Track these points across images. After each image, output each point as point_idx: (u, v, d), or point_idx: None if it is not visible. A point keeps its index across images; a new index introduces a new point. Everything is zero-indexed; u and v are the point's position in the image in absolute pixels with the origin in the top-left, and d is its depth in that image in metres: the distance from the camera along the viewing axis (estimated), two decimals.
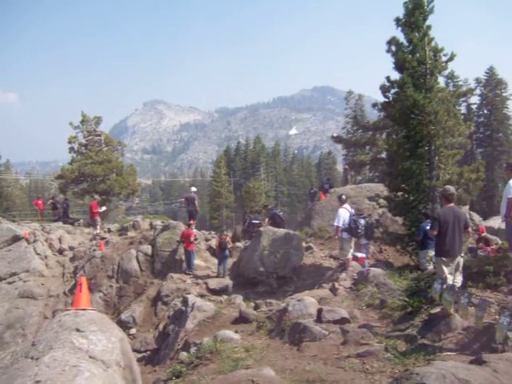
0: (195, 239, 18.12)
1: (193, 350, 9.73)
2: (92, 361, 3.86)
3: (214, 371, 7.65)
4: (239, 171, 76.26)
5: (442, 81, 16.34)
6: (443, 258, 8.05)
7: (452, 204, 8.28)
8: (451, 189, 8.42)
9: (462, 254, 8.33)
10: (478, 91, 47.24)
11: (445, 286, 7.81)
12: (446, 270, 8.00)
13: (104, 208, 26.60)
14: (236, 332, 10.07)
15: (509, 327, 6.73)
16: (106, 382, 3.67)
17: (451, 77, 41.59)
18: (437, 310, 8.43)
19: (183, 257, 18.32)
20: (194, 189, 25.13)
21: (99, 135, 37.46)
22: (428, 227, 10.13)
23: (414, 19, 14.40)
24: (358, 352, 7.31)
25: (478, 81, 47.97)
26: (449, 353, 6.76)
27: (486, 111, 48.39)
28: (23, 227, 22.33)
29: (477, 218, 20.51)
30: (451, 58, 14.80)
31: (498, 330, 6.74)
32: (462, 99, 42.68)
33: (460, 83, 44.43)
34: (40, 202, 33.38)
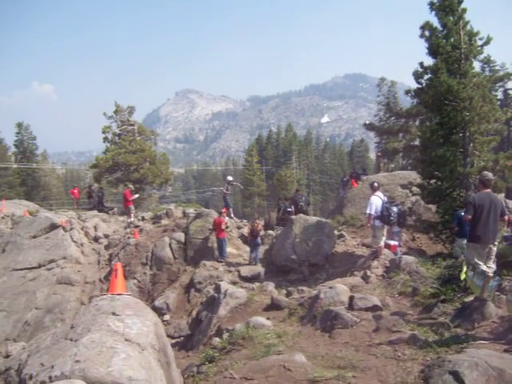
0: (226, 227, 18.23)
1: (225, 335, 9.85)
2: (128, 343, 3.97)
3: (246, 357, 7.74)
4: (271, 159, 76.18)
5: (477, 66, 15.96)
6: (475, 244, 7.92)
7: (489, 190, 8.14)
8: (489, 174, 8.26)
9: (496, 243, 8.17)
10: None
11: (474, 272, 7.76)
12: (476, 256, 7.88)
13: (137, 195, 26.97)
14: (268, 319, 10.15)
15: None
16: (141, 363, 3.78)
17: (487, 61, 40.53)
18: (470, 298, 8.34)
19: (215, 244, 18.48)
20: (229, 178, 25.38)
21: (132, 125, 37.98)
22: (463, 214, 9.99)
23: (449, 2, 14.07)
24: (390, 339, 7.29)
25: None
26: (482, 341, 6.69)
27: None
28: (60, 216, 22.91)
29: None
30: (487, 42, 14.44)
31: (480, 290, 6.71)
32: (499, 84, 41.45)
33: (497, 68, 43.23)
34: (76, 191, 34.10)
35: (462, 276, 8.41)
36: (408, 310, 9.30)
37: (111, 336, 3.97)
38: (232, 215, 23.82)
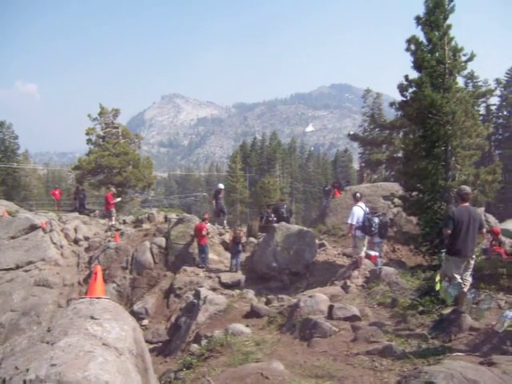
0: (207, 233, 18.18)
1: (204, 342, 9.81)
2: (105, 347, 3.95)
3: (224, 364, 7.72)
4: (255, 167, 76.23)
5: (461, 81, 16.09)
6: (454, 257, 8.01)
7: (467, 204, 8.24)
8: (467, 188, 8.36)
9: (474, 256, 8.27)
10: (497, 92, 46.57)
11: (450, 283, 7.85)
12: (454, 268, 7.96)
13: (119, 199, 26.81)
14: (247, 326, 10.14)
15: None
16: (118, 368, 3.76)
17: (471, 77, 41.05)
18: (448, 310, 8.43)
19: (196, 250, 18.44)
20: (221, 185, 24.62)
21: (117, 127, 37.82)
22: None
23: (435, 18, 14.25)
24: (368, 349, 7.34)
25: (498, 81, 47.28)
26: (459, 353, 6.76)
27: (505, 112, 47.69)
28: (40, 216, 22.61)
29: (493, 220, 20.28)
30: (471, 58, 14.64)
31: (498, 322, 6.78)
32: (482, 100, 42.07)
33: (480, 84, 43.91)
34: (57, 192, 33.76)
35: (437, 287, 8.51)
36: (386, 320, 9.37)
37: (89, 340, 3.94)
38: (225, 222, 23.55)
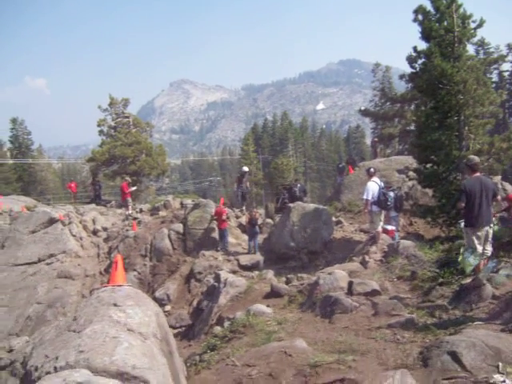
0: (227, 217, 18.28)
1: (226, 324, 9.95)
2: (130, 333, 4.03)
3: (247, 344, 7.82)
4: (267, 148, 76.02)
5: (471, 49, 15.97)
6: (472, 228, 7.98)
7: (478, 173, 8.18)
8: (475, 158, 8.31)
9: (492, 225, 8.23)
10: (510, 58, 45.71)
11: (472, 253, 7.85)
12: (475, 240, 7.94)
13: (134, 188, 26.98)
14: (268, 306, 10.23)
15: None
16: (144, 352, 3.84)
17: (481, 44, 40.54)
18: (468, 280, 8.43)
19: (214, 234, 18.56)
20: (245, 168, 24.37)
21: (127, 117, 37.87)
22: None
23: None
24: (389, 323, 7.38)
25: (510, 47, 46.34)
26: (480, 322, 6.77)
27: None
28: (58, 210, 22.92)
29: (510, 187, 20.04)
30: (480, 25, 14.40)
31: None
32: (494, 67, 41.51)
33: (491, 50, 43.19)
34: (73, 184, 34.08)
35: (460, 259, 8.50)
36: (407, 293, 9.39)
37: (113, 326, 4.03)
38: (244, 208, 23.06)
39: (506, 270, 8.64)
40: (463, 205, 7.90)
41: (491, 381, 4.54)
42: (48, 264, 19.49)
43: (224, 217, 17.73)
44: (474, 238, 7.94)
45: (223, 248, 17.90)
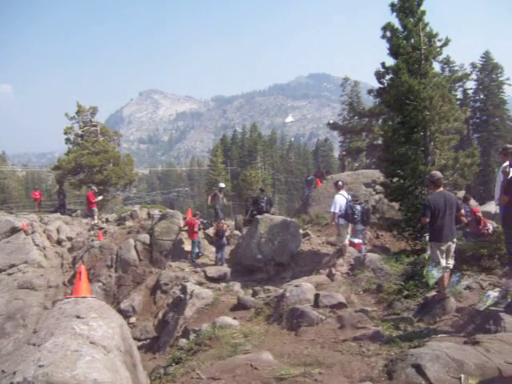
0: (199, 229, 18.21)
1: (192, 336, 9.84)
2: (93, 346, 3.94)
3: (213, 357, 7.75)
4: (236, 160, 76.08)
5: (437, 66, 16.26)
6: (437, 243, 8.07)
7: (441, 188, 8.30)
8: (438, 173, 8.40)
9: (455, 240, 8.35)
10: (473, 76, 46.93)
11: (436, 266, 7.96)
12: (439, 254, 8.02)
13: (101, 197, 26.62)
14: (234, 318, 10.18)
15: (494, 300, 6.92)
16: (106, 366, 3.75)
17: (447, 62, 41.48)
18: (432, 293, 8.55)
19: (182, 245, 18.45)
20: (221, 184, 23.55)
21: (95, 125, 37.38)
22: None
23: (409, 4, 14.32)
24: (355, 335, 7.42)
25: (473, 66, 47.57)
26: (443, 334, 6.87)
27: (482, 96, 48.08)
28: (21, 219, 22.35)
29: (473, 202, 20.46)
30: (446, 43, 14.75)
31: (480, 301, 6.92)
32: (458, 84, 42.50)
33: (456, 68, 44.28)
34: (37, 193, 33.41)
35: (424, 272, 8.62)
36: (372, 306, 9.48)
37: (75, 339, 3.93)
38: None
39: (468, 284, 8.81)
40: (427, 220, 7.97)
41: None
42: (9, 274, 18.97)
43: (195, 228, 17.66)
44: (438, 252, 8.03)
45: (192, 259, 17.78)
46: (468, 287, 8.65)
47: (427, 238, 9.22)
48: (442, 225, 7.94)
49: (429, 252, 8.51)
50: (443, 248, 8.03)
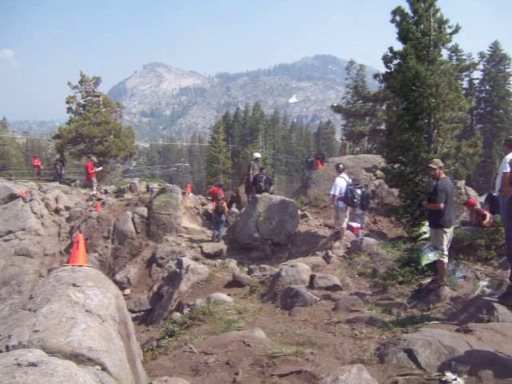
0: (222, 198, 17.86)
1: (186, 310, 9.88)
2: (88, 314, 3.95)
3: (206, 332, 7.79)
4: (237, 138, 75.90)
5: (445, 54, 16.11)
6: (445, 229, 8.04)
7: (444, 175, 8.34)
8: (440, 161, 8.50)
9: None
10: (481, 66, 46.60)
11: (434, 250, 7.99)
12: (445, 240, 8.01)
13: (100, 168, 26.61)
14: (229, 295, 10.23)
15: (483, 289, 6.98)
16: (101, 334, 3.76)
17: (455, 50, 41.23)
18: (427, 280, 8.59)
19: (178, 220, 18.50)
20: (257, 154, 20.93)
21: (98, 96, 37.16)
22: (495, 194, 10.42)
23: None
24: (348, 318, 7.45)
25: (481, 55, 47.24)
26: (436, 321, 6.92)
27: (488, 87, 47.76)
28: (20, 186, 22.34)
29: (472, 193, 20.52)
30: (456, 31, 14.61)
31: (475, 288, 6.96)
32: (465, 73, 42.21)
33: (463, 57, 43.96)
34: (37, 160, 33.35)
35: (420, 254, 8.68)
36: (367, 290, 9.54)
37: (71, 307, 3.93)
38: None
39: (463, 272, 8.85)
40: (442, 205, 7.90)
41: (443, 378, 4.63)
42: (6, 241, 19.02)
43: (219, 197, 17.47)
44: (445, 237, 8.01)
45: (217, 237, 17.48)
46: (463, 276, 8.68)
47: (427, 224, 9.22)
48: (449, 210, 7.96)
49: (432, 239, 8.51)
50: (449, 234, 8.03)
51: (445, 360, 5.05)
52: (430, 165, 8.28)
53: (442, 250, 7.96)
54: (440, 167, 8.27)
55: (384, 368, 5.26)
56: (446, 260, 8.04)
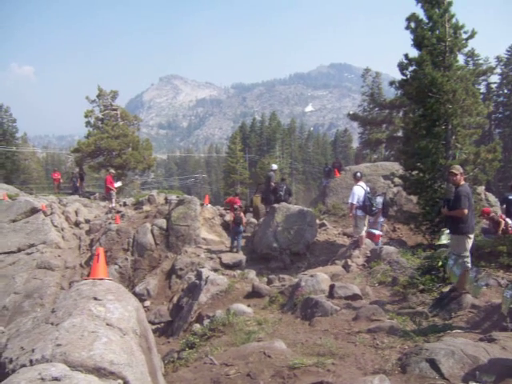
0: (239, 207, 18.01)
1: (206, 322, 9.88)
2: (109, 328, 3.98)
3: (226, 343, 7.79)
4: (254, 148, 76.10)
5: (461, 59, 16.03)
6: (470, 235, 7.98)
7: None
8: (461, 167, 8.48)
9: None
10: (498, 70, 46.08)
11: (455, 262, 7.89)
12: (468, 246, 7.96)
13: (119, 183, 26.85)
14: (248, 306, 10.20)
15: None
16: (122, 348, 3.79)
17: (471, 55, 40.82)
18: (448, 288, 8.49)
19: (197, 231, 18.52)
20: (274, 166, 22.20)
21: (115, 109, 37.63)
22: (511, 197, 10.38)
23: None
24: (369, 328, 7.39)
25: (498, 59, 46.75)
26: (459, 330, 6.83)
27: (506, 91, 47.25)
28: (40, 200, 22.62)
29: (492, 198, 20.26)
30: (472, 36, 14.50)
31: (503, 303, 6.81)
32: (482, 78, 41.76)
33: (480, 61, 43.54)
34: (57, 174, 33.78)
35: (447, 268, 8.55)
36: (387, 299, 9.44)
37: (93, 320, 3.97)
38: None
39: (485, 280, 8.73)
40: (467, 211, 7.85)
41: None
42: (28, 254, 19.24)
43: (236, 206, 17.57)
44: (469, 244, 7.96)
45: (236, 248, 17.34)
46: (486, 284, 8.57)
47: (446, 231, 9.12)
48: (472, 216, 7.94)
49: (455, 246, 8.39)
50: (471, 240, 7.98)
51: (468, 370, 4.99)
52: (453, 170, 8.22)
53: (465, 257, 7.88)
54: (461, 173, 8.21)
55: (406, 378, 5.20)
56: (468, 266, 7.97)
